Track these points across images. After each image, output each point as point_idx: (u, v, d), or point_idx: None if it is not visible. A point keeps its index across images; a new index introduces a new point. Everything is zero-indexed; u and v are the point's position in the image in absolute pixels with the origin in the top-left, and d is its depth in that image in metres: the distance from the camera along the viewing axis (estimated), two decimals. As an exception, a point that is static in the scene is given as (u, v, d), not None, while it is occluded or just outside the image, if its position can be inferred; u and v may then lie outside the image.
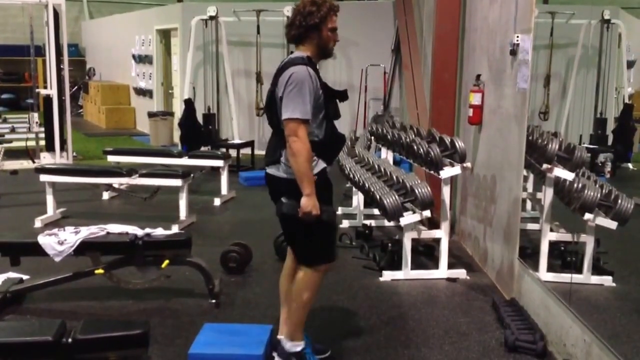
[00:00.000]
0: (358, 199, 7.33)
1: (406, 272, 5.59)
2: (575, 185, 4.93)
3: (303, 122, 3.60)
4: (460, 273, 5.68)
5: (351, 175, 6.70)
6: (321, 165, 3.78)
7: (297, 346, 3.95)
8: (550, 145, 4.89)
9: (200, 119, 11.16)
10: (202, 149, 10.36)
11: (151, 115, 13.48)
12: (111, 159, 8.63)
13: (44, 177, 7.32)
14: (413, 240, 5.63)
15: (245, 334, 4.16)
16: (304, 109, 3.60)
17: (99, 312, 4.84)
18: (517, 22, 5.13)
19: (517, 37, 5.06)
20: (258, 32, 11.40)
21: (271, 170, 3.85)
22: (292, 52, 3.89)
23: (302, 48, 3.81)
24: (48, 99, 9.80)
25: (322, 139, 3.78)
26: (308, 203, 3.63)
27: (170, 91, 14.19)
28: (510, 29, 5.24)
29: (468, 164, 5.64)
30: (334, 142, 3.89)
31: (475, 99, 6.00)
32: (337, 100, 3.90)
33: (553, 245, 5.20)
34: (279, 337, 4.06)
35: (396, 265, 5.69)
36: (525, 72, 4.95)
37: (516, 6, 5.14)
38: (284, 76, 3.66)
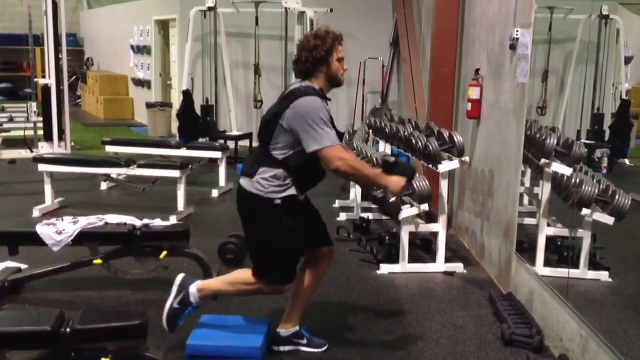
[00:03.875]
0: (355, 192, 7.34)
1: (404, 266, 5.61)
2: (573, 180, 4.94)
3: (335, 146, 3.65)
4: (458, 267, 5.70)
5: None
6: (291, 191, 3.78)
7: (291, 330, 4.08)
8: (548, 141, 4.90)
9: (198, 110, 11.15)
10: (200, 140, 10.37)
11: (149, 106, 13.47)
12: (110, 149, 8.62)
13: (42, 167, 7.32)
14: (411, 233, 5.65)
15: (243, 326, 4.18)
16: (330, 135, 3.65)
17: (97, 302, 4.85)
18: (517, 17, 5.13)
19: (517, 31, 5.06)
20: (257, 24, 11.37)
21: (244, 182, 3.86)
22: (300, 82, 3.87)
23: (312, 81, 3.81)
24: (46, 89, 9.78)
25: (305, 168, 3.78)
26: (392, 186, 3.82)
27: (168, 82, 14.17)
28: (510, 24, 5.24)
29: (466, 159, 5.65)
30: (315, 174, 3.88)
31: (474, 93, 6.00)
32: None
33: (550, 240, 5.22)
34: (277, 330, 4.11)
35: (394, 259, 5.71)
36: (525, 66, 4.96)
37: (516, 1, 5.14)
38: (298, 106, 3.66)
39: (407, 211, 5.50)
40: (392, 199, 3.82)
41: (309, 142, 3.63)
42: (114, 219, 5.00)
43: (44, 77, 10.08)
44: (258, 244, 3.90)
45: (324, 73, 3.80)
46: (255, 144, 10.79)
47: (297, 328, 4.10)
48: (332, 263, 4.20)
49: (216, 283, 4.06)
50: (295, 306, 4.09)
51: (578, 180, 4.88)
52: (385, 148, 7.52)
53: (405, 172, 3.86)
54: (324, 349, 4.11)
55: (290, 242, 3.81)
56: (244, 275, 3.98)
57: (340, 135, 3.91)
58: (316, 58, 3.75)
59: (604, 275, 4.97)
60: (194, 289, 3.95)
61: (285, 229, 3.77)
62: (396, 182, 3.80)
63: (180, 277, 4.02)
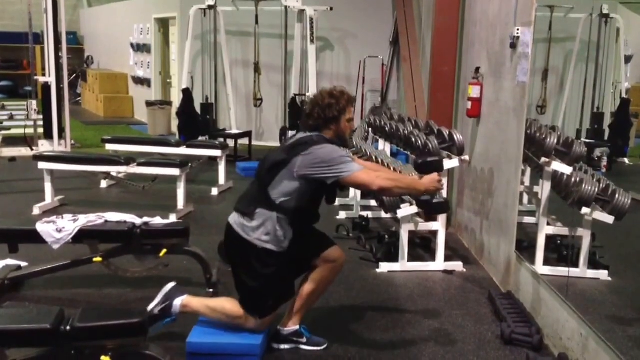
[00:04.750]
0: (355, 190, 7.34)
1: (403, 264, 5.61)
2: (573, 179, 4.94)
3: (360, 169, 3.75)
4: (457, 265, 5.70)
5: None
6: (276, 247, 3.84)
7: (291, 329, 4.10)
8: (548, 139, 4.90)
9: (198, 108, 11.15)
10: (200, 138, 10.37)
11: (149, 104, 13.48)
12: (109, 147, 8.64)
13: (42, 165, 7.32)
14: (410, 232, 5.65)
15: None
16: (355, 164, 3.76)
17: (97, 300, 4.86)
18: (518, 15, 5.13)
19: (518, 30, 5.06)
20: (256, 22, 11.37)
21: (235, 220, 3.91)
22: (304, 134, 3.94)
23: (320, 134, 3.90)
24: (46, 87, 9.80)
25: (302, 211, 3.84)
26: (429, 185, 3.94)
27: (168, 80, 14.18)
28: (510, 22, 5.24)
29: (466, 157, 5.65)
30: (310, 217, 3.97)
31: (474, 91, 6.00)
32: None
33: (550, 238, 5.21)
34: (278, 328, 4.12)
35: (393, 257, 5.71)
36: (525, 65, 4.96)
37: (517, -1, 5.15)
38: (319, 154, 3.75)
39: (406, 210, 5.50)
40: (436, 199, 3.96)
41: (337, 174, 3.71)
42: (113, 216, 5.00)
43: (44, 75, 10.11)
44: (241, 277, 3.97)
45: (333, 130, 3.89)
46: (255, 143, 10.83)
47: (298, 327, 4.11)
48: (342, 266, 4.20)
49: (199, 305, 4.06)
50: (299, 306, 4.10)
51: (578, 179, 4.88)
52: (384, 146, 7.53)
53: (437, 168, 3.94)
54: (323, 347, 4.12)
55: (272, 278, 3.88)
56: (227, 305, 4.03)
57: (334, 196, 4.07)
58: (328, 117, 3.85)
59: (603, 274, 4.97)
60: (178, 302, 3.99)
61: (262, 272, 3.86)
62: (430, 180, 3.94)
63: (169, 286, 4.05)
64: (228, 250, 4.03)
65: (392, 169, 5.95)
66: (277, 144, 9.79)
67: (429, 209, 4.03)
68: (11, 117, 11.10)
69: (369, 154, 6.60)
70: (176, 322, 4.04)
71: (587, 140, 6.29)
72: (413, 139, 6.11)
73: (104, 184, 8.56)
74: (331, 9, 10.90)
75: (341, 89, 3.96)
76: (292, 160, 3.75)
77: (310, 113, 3.89)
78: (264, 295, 3.93)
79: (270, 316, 3.99)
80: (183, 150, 8.44)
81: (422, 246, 6.15)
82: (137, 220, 4.94)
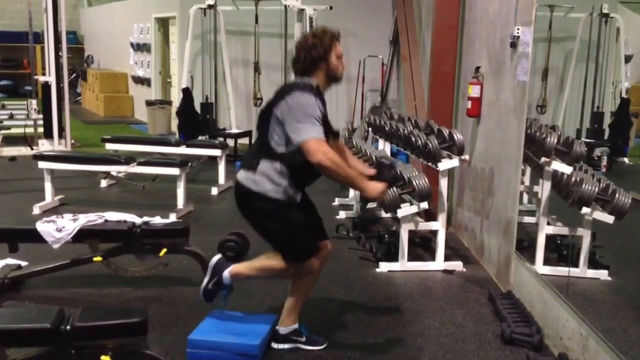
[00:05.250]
0: (355, 190, 7.34)
1: (403, 264, 5.61)
2: (573, 178, 4.94)
3: (320, 139, 3.66)
4: (457, 265, 5.70)
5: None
6: (284, 196, 3.82)
7: (290, 328, 4.09)
8: (548, 139, 4.90)
9: (198, 108, 11.15)
10: (200, 138, 10.38)
11: (149, 103, 13.48)
12: (109, 146, 8.64)
13: (42, 164, 7.32)
14: (410, 231, 5.65)
15: (248, 322, 4.20)
16: (317, 128, 3.66)
17: (97, 300, 4.86)
18: (518, 14, 5.13)
19: (518, 29, 5.06)
20: (256, 22, 11.36)
21: (242, 176, 3.90)
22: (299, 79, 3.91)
23: (311, 78, 3.84)
24: (46, 86, 9.81)
25: (303, 165, 3.77)
26: (371, 191, 3.78)
27: (168, 80, 14.17)
28: (510, 21, 5.24)
29: (466, 157, 5.65)
30: (312, 171, 3.85)
31: (474, 91, 6.00)
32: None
33: (550, 238, 5.21)
34: (276, 327, 4.12)
35: (393, 257, 5.71)
36: (526, 64, 4.96)
37: (517, -2, 5.15)
38: (291, 99, 3.70)
39: (406, 209, 5.50)
40: (371, 204, 3.85)
41: (294, 134, 3.66)
42: (113, 216, 5.01)
43: (44, 74, 10.11)
44: (265, 231, 3.96)
45: (323, 70, 3.83)
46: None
47: (296, 325, 4.10)
48: (328, 259, 4.19)
49: (247, 270, 4.08)
50: (292, 303, 4.09)
51: (578, 179, 4.88)
52: (384, 146, 7.53)
53: (385, 178, 3.84)
54: (322, 347, 4.11)
55: (293, 223, 3.87)
56: (270, 261, 4.03)
57: (335, 133, 3.96)
58: (314, 57, 3.79)
59: (603, 274, 4.97)
60: (227, 274, 4.04)
61: (282, 216, 3.85)
62: (374, 187, 3.78)
63: (215, 259, 4.12)
64: (242, 209, 3.96)
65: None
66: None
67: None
68: (11, 117, 11.09)
69: (368, 153, 6.60)
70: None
71: (587, 140, 6.30)
72: (413, 139, 6.11)
73: (104, 183, 8.56)
74: (330, 8, 10.90)
75: (323, 27, 3.92)
76: (278, 104, 3.74)
77: (297, 57, 3.84)
78: (293, 240, 3.92)
79: (315, 257, 3.98)
80: (183, 150, 8.44)
81: (422, 246, 6.15)
82: (137, 220, 4.95)
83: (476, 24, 6.33)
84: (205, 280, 4.08)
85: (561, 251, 5.30)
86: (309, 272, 4.01)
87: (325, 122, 3.80)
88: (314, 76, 3.83)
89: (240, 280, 4.12)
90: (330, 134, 3.91)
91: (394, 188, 5.49)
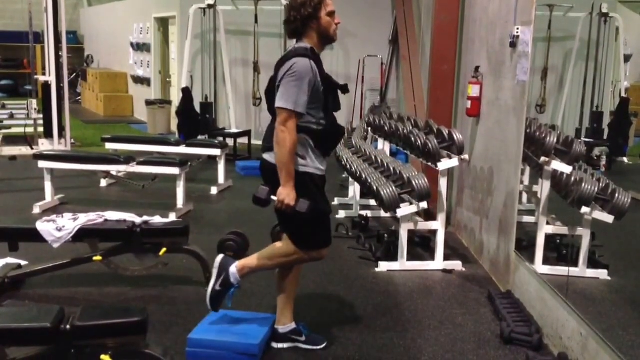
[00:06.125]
0: (354, 189, 7.35)
1: (402, 263, 5.61)
2: (573, 178, 4.94)
3: (294, 114, 3.64)
4: (456, 265, 5.71)
5: (348, 166, 6.70)
6: (308, 169, 3.80)
7: (289, 327, 4.09)
8: (548, 138, 4.90)
9: (197, 107, 11.15)
10: (200, 137, 10.38)
11: (149, 103, 13.48)
12: (109, 146, 8.65)
13: (42, 164, 7.32)
14: (409, 231, 5.65)
15: (249, 322, 4.20)
16: (297, 100, 3.64)
17: (97, 299, 4.86)
18: (518, 14, 5.13)
19: (518, 29, 5.06)
20: (256, 22, 11.38)
21: (267, 156, 3.86)
22: (294, 46, 3.89)
23: (304, 40, 3.81)
24: (47, 86, 9.81)
25: (323, 128, 3.80)
26: (283, 192, 3.70)
27: (168, 79, 14.17)
28: (510, 21, 5.24)
29: (465, 156, 5.65)
30: (333, 132, 3.91)
31: (473, 91, 6.01)
32: (339, 92, 3.91)
33: (549, 238, 5.22)
34: (275, 327, 4.12)
35: (392, 256, 5.71)
36: (525, 64, 4.96)
37: (516, -2, 5.15)
38: (286, 66, 3.70)
39: (406, 209, 5.50)
40: (273, 197, 3.76)
41: (279, 97, 3.67)
42: (113, 215, 5.01)
43: (44, 74, 10.11)
44: (287, 214, 3.85)
45: (315, 30, 3.79)
46: (254, 142, 10.81)
47: (294, 324, 4.11)
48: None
49: (254, 260, 4.05)
50: (284, 302, 4.10)
51: (577, 178, 4.88)
52: (384, 146, 7.53)
53: (304, 208, 3.77)
54: (322, 346, 4.11)
55: (307, 207, 3.77)
56: (280, 247, 4.01)
57: (336, 102, 3.91)
58: (304, 15, 3.74)
59: (602, 273, 4.97)
60: (233, 269, 3.99)
61: (308, 195, 3.77)
62: (287, 193, 3.69)
63: (219, 258, 4.06)
64: (255, 194, 3.85)
65: (391, 168, 5.96)
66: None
67: (255, 194, 3.80)
68: (11, 116, 11.10)
69: (368, 153, 6.61)
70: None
71: (587, 139, 6.29)
72: (412, 138, 6.11)
73: (103, 182, 8.56)
74: (330, 8, 10.89)
75: None
76: (278, 74, 3.75)
77: (288, 18, 3.81)
78: (309, 226, 3.88)
79: (325, 249, 4.00)
80: (182, 149, 8.45)
81: (422, 245, 6.14)
82: (137, 219, 4.95)
83: (476, 24, 6.34)
84: (212, 282, 4.01)
85: (561, 251, 5.30)
86: (314, 259, 4.04)
87: (326, 83, 3.79)
88: (307, 37, 3.81)
89: (246, 274, 4.03)
90: (337, 91, 3.90)
91: (394, 187, 5.49)
